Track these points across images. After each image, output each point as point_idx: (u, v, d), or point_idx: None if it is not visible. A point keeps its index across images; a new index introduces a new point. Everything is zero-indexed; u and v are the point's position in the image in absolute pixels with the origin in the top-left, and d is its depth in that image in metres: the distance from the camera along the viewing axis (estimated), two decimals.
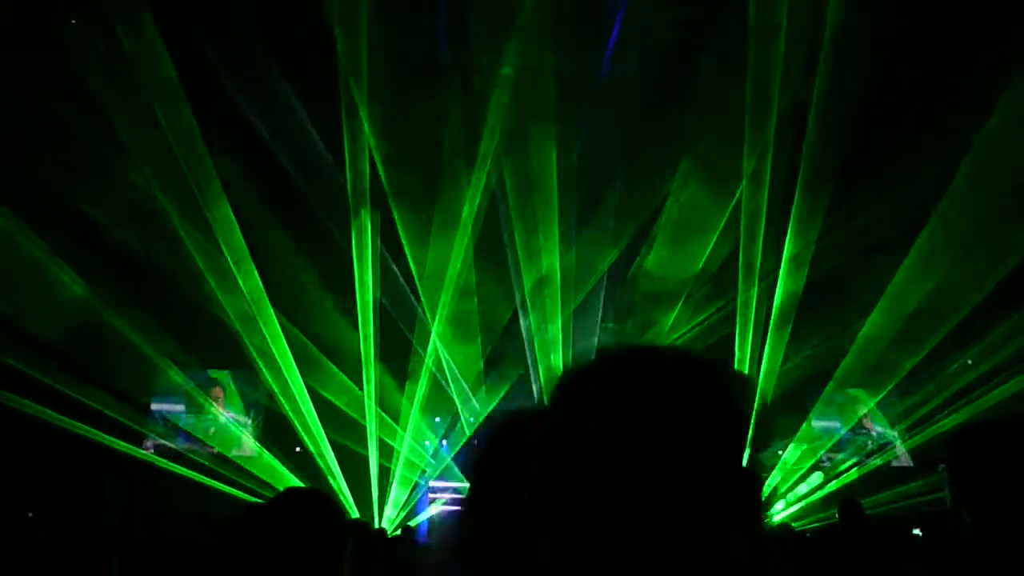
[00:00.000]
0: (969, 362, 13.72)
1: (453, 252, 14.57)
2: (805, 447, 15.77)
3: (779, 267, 13.98)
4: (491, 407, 16.59)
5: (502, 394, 16.72)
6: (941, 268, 12.62)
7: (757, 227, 13.39)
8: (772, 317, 14.27)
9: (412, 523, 14.90)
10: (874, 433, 16.92)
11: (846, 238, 13.39)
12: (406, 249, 14.43)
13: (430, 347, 15.34)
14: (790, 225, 13.38)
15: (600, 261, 15.44)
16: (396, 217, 14.06)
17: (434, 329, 15.17)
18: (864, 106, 11.47)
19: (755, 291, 14.09)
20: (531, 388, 16.89)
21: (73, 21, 11.08)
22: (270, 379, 14.54)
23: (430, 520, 16.71)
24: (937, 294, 12.95)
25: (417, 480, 16.60)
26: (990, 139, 11.15)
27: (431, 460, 17.26)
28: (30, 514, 11.49)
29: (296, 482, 13.71)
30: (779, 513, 15.14)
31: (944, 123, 11.18)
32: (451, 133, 13.63)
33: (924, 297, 13.12)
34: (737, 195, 13.43)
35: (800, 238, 13.46)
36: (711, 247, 14.21)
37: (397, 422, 15.44)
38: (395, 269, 15.00)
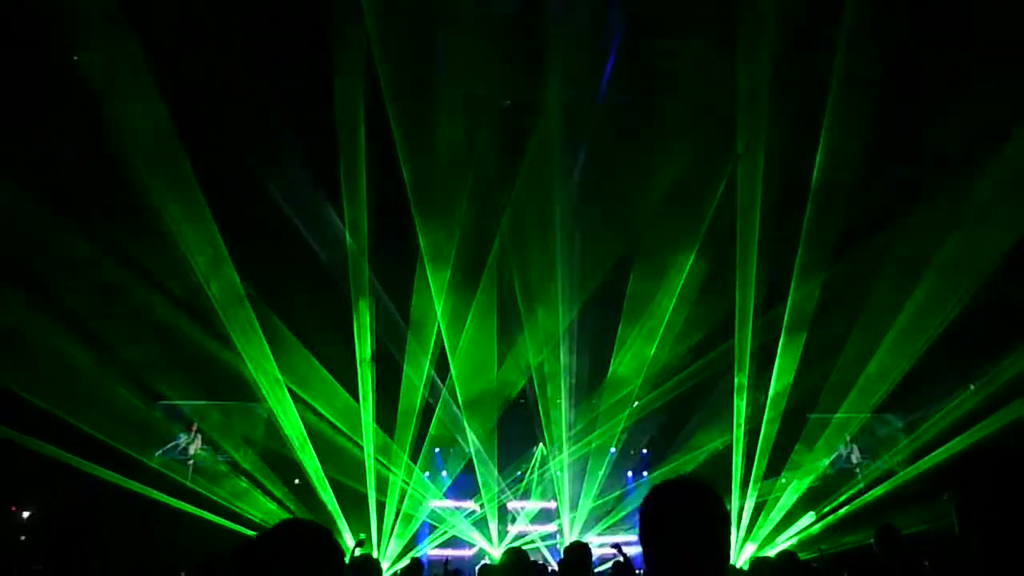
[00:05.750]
0: (972, 387, 13.67)
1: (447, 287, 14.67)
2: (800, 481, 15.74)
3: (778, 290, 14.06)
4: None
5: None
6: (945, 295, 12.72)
7: (750, 252, 13.49)
8: (780, 342, 14.34)
9: (413, 554, 14.74)
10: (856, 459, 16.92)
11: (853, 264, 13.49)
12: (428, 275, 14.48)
13: (427, 377, 15.33)
14: (799, 250, 13.46)
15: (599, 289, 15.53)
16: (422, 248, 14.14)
17: (430, 360, 15.19)
18: (877, 119, 11.56)
19: (750, 316, 14.15)
20: (529, 417, 16.90)
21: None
22: (271, 409, 14.50)
23: (429, 559, 16.55)
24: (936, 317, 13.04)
25: (416, 512, 16.48)
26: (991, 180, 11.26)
27: (431, 491, 17.16)
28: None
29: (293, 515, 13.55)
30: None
31: (960, 135, 11.26)
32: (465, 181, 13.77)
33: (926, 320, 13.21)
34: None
35: (811, 263, 13.57)
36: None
37: (395, 454, 15.34)
38: (393, 303, 15.06)
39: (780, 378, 14.54)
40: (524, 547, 16.65)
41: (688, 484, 1.85)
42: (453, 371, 15.53)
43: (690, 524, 1.77)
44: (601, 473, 17.53)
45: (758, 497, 15.31)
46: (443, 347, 15.14)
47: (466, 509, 17.20)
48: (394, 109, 12.09)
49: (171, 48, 10.72)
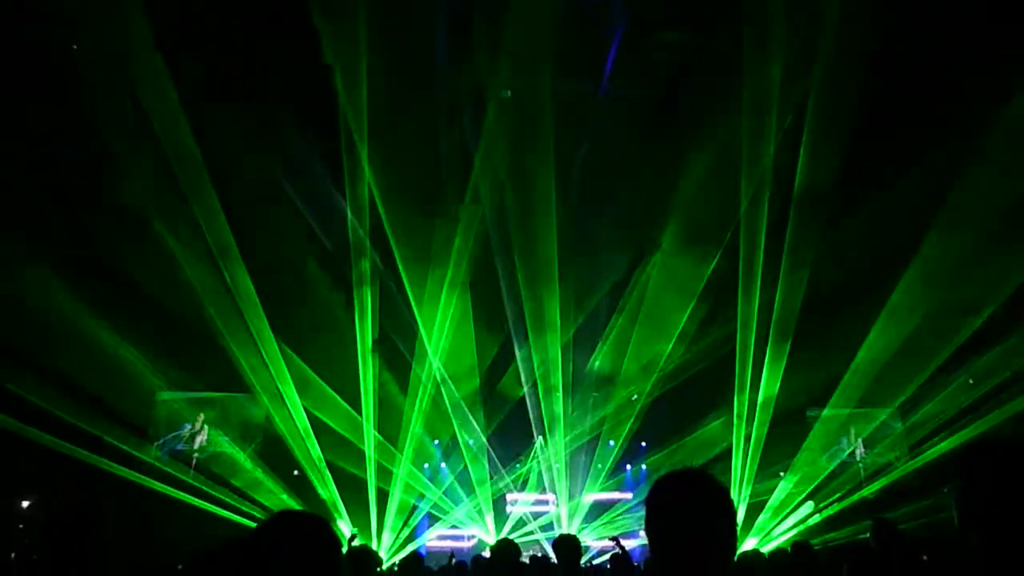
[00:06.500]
0: (970, 381, 13.66)
1: (448, 281, 14.64)
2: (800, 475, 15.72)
3: (776, 287, 14.00)
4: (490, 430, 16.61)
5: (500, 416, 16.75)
6: (938, 290, 12.65)
7: (757, 246, 13.42)
8: (770, 336, 14.28)
9: (412, 546, 14.79)
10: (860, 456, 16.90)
11: (844, 258, 13.43)
12: (405, 279, 14.42)
13: (427, 371, 15.32)
14: (785, 244, 13.40)
15: (598, 283, 15.54)
16: (395, 249, 14.08)
17: (433, 353, 15.17)
18: (862, 123, 11.53)
19: (755, 309, 14.10)
20: (527, 409, 16.90)
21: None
22: (268, 403, 14.51)
23: (428, 551, 16.58)
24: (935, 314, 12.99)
25: (415, 503, 16.51)
26: (989, 157, 11.22)
27: (430, 483, 17.19)
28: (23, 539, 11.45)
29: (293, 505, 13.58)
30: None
31: (943, 135, 11.23)
32: (449, 168, 13.72)
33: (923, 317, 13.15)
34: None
35: (799, 257, 13.48)
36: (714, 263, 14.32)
37: (395, 446, 15.36)
38: (395, 296, 15.04)
39: (780, 374, 14.52)
40: (523, 537, 16.72)
41: (695, 475, 1.83)
42: (451, 365, 15.56)
43: (697, 515, 1.75)
44: (599, 465, 17.58)
45: (758, 492, 15.33)
46: (445, 341, 15.15)
47: (464, 516, 17.22)
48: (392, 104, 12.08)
49: (175, 29, 10.67)
